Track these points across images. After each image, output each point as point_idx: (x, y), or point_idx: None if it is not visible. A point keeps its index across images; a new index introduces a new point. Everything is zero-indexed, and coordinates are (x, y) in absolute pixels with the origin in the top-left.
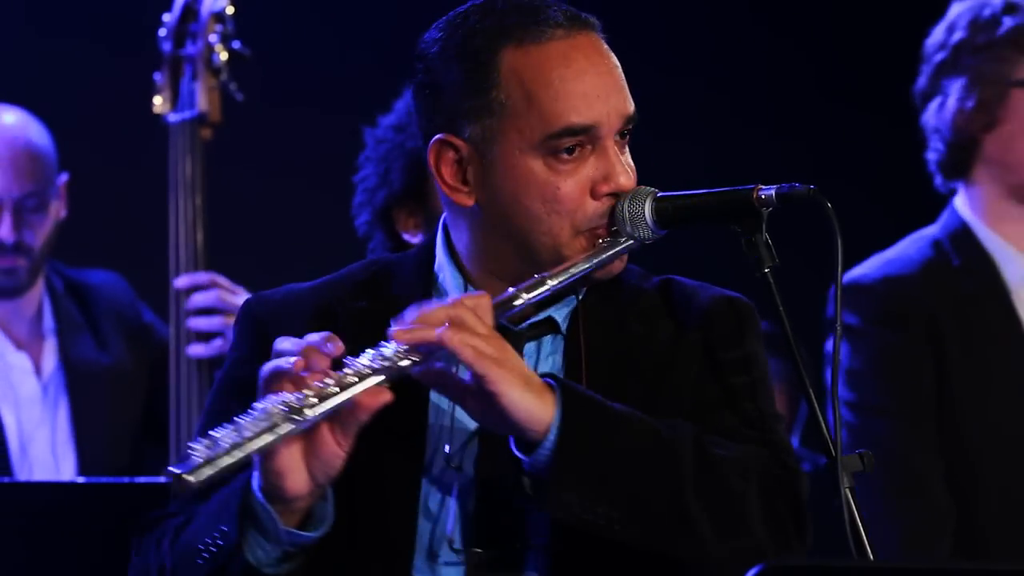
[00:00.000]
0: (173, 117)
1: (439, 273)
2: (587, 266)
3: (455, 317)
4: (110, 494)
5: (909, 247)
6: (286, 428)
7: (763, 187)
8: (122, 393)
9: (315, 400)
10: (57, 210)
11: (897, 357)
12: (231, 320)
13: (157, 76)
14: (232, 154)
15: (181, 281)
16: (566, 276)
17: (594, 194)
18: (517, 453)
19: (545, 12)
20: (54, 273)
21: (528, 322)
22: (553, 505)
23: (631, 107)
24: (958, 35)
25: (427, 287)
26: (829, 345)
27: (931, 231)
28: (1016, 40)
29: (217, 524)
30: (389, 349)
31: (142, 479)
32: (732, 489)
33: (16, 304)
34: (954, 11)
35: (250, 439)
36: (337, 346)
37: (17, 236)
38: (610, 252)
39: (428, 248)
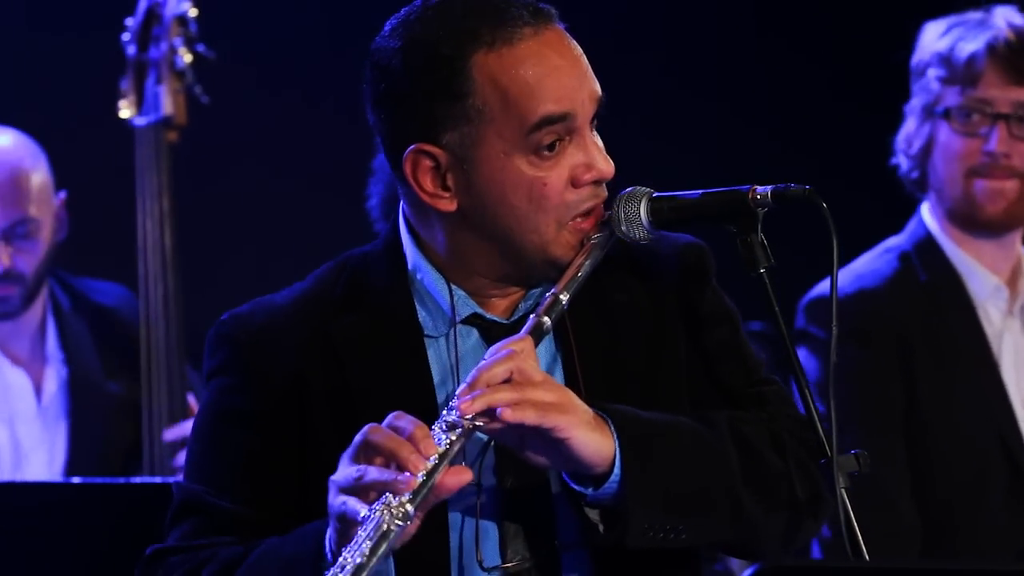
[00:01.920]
0: (139, 121)
1: (416, 274)
2: (588, 269)
3: (516, 371)
4: (107, 494)
5: (877, 260)
6: (394, 532)
7: (759, 187)
8: (122, 423)
9: (410, 495)
10: (55, 231)
11: (866, 371)
12: None
13: (122, 81)
14: (198, 157)
15: (170, 434)
16: (575, 285)
17: (576, 183)
18: (577, 488)
19: (509, 11)
20: (59, 287)
21: (515, 318)
22: (629, 535)
23: (599, 89)
24: (913, 61)
25: (408, 290)
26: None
27: (898, 241)
28: (940, 68)
29: None
30: (452, 416)
31: (137, 479)
32: (774, 469)
33: (15, 322)
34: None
35: (370, 555)
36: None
37: (7, 265)
38: (603, 248)
39: (395, 247)
